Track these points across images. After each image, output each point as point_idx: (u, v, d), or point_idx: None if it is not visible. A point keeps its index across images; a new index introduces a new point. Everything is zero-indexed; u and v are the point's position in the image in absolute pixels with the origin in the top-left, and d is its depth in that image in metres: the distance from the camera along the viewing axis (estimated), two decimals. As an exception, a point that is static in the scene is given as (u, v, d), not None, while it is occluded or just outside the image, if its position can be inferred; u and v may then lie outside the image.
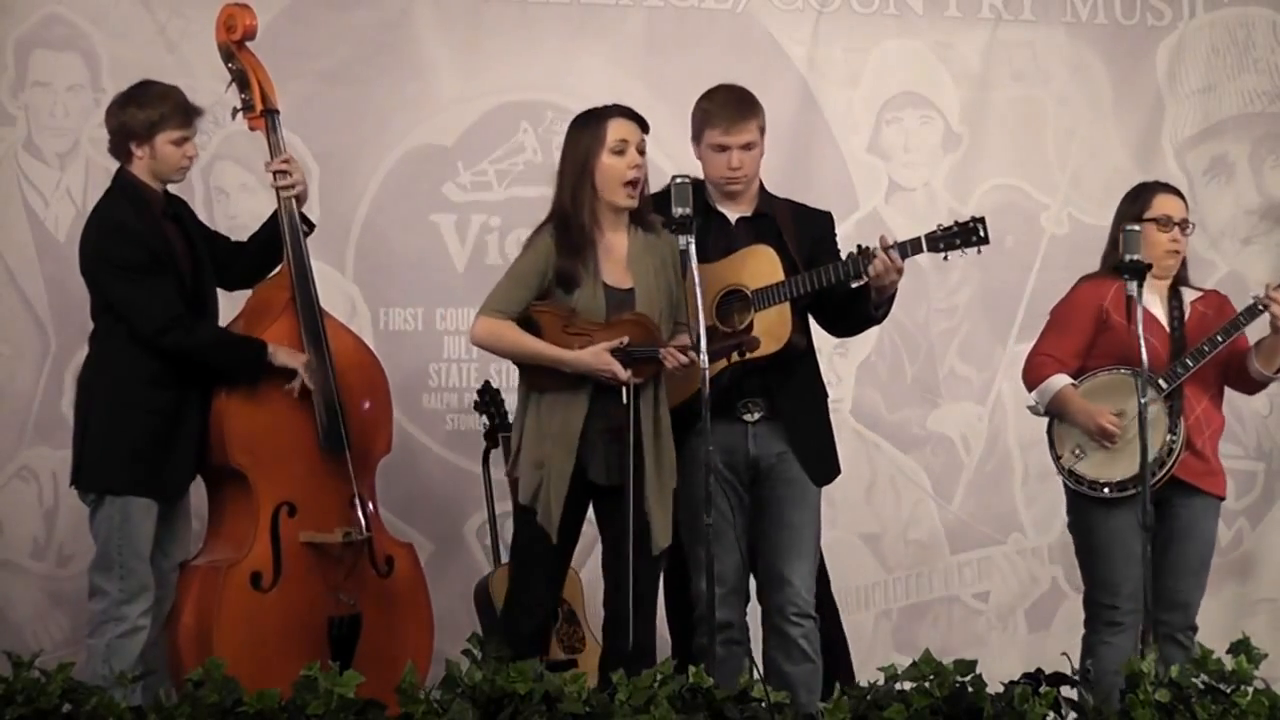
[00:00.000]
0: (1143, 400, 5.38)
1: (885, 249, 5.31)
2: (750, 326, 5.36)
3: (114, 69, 6.43)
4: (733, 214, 5.51)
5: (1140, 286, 5.40)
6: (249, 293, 5.83)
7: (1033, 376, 5.84)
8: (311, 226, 5.80)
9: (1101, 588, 5.75)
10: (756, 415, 5.44)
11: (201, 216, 6.38)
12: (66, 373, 6.45)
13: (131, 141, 5.51)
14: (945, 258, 5.53)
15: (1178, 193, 5.88)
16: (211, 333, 5.59)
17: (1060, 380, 5.76)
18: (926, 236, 5.39)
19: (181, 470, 5.56)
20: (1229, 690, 4.66)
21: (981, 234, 5.38)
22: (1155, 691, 4.60)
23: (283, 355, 5.58)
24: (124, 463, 5.44)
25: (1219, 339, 5.63)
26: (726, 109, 5.46)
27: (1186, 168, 7.49)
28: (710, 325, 5.32)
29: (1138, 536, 5.52)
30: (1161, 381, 5.63)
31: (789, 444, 5.43)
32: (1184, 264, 5.87)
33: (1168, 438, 5.62)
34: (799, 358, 5.47)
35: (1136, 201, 5.81)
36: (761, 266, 5.39)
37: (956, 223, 5.40)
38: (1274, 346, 5.68)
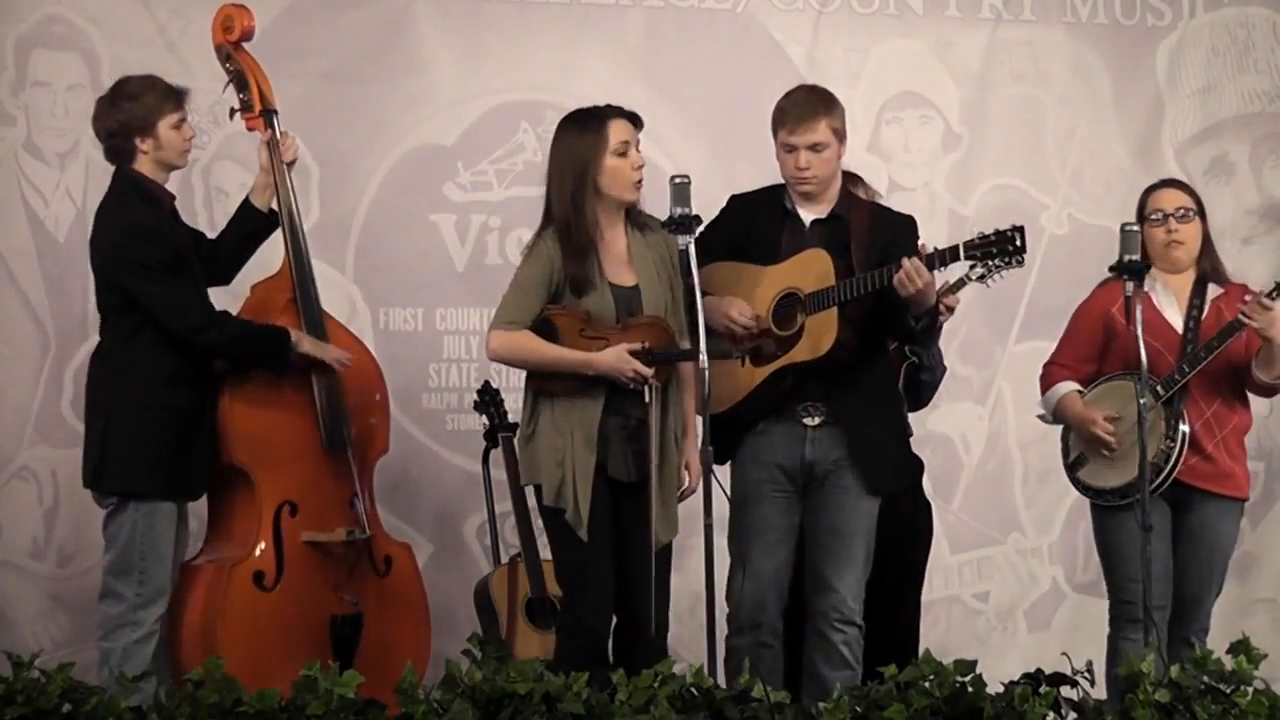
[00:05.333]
0: (1142, 401, 5.38)
1: (909, 259, 5.22)
2: (801, 330, 5.34)
3: (114, 69, 6.42)
4: (808, 215, 5.46)
5: (1139, 287, 5.39)
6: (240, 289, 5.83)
7: (1042, 384, 5.86)
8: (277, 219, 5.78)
9: (1121, 588, 5.75)
10: (816, 420, 5.39)
11: (201, 216, 6.40)
12: (66, 373, 6.46)
13: (135, 136, 5.51)
14: (987, 283, 5.52)
15: (1174, 183, 5.86)
16: (240, 326, 5.59)
17: (1064, 388, 5.77)
18: (964, 244, 5.32)
19: (203, 470, 5.55)
20: (1229, 690, 4.65)
21: (1019, 242, 5.30)
22: (1155, 692, 4.60)
23: (307, 344, 5.59)
24: (150, 466, 5.43)
25: (1214, 345, 5.60)
26: (796, 108, 5.39)
27: (1186, 168, 7.48)
28: (765, 328, 5.33)
29: (1152, 538, 5.54)
30: (1159, 387, 5.59)
31: (847, 450, 5.38)
32: (1211, 258, 5.79)
33: (1165, 444, 5.58)
34: (864, 362, 5.40)
35: (1140, 207, 5.80)
36: (814, 270, 5.34)
37: (996, 230, 5.33)
38: (1269, 354, 5.63)
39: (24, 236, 6.50)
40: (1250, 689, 4.66)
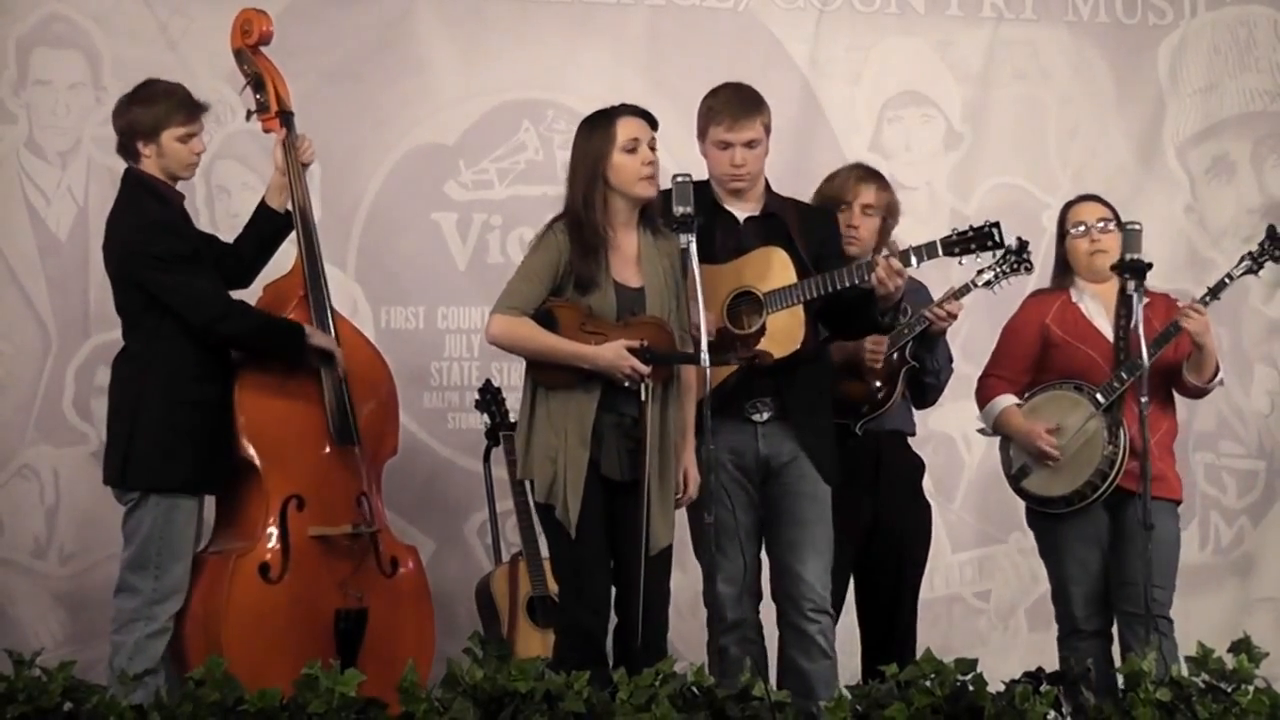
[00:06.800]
0: (1144, 400, 5.39)
1: (890, 255, 5.28)
2: (763, 329, 5.35)
3: (115, 67, 6.43)
4: (740, 213, 5.49)
5: (1140, 286, 5.43)
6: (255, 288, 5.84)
7: (980, 397, 5.93)
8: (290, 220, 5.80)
9: (1057, 598, 5.86)
10: (765, 415, 5.43)
11: (203, 215, 6.41)
12: (68, 371, 6.46)
13: (138, 140, 5.50)
14: (994, 289, 5.54)
15: (1092, 197, 5.92)
16: (258, 316, 5.59)
17: (1004, 401, 5.84)
18: (942, 241, 5.37)
19: (226, 463, 5.56)
20: (1230, 689, 4.66)
21: (997, 238, 5.35)
22: (1156, 690, 4.60)
23: (318, 337, 5.60)
24: (176, 461, 5.43)
25: (1153, 351, 5.63)
26: (730, 106, 5.44)
27: (1188, 167, 7.50)
28: (721, 327, 5.34)
29: (1090, 548, 5.72)
30: (1099, 395, 5.66)
31: (799, 443, 5.42)
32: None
33: (1108, 449, 5.64)
34: (808, 358, 5.45)
35: (1061, 222, 5.90)
36: (774, 269, 5.37)
37: (971, 227, 5.39)
38: (1198, 360, 5.72)
39: (26, 235, 6.51)
40: (1251, 688, 4.67)
